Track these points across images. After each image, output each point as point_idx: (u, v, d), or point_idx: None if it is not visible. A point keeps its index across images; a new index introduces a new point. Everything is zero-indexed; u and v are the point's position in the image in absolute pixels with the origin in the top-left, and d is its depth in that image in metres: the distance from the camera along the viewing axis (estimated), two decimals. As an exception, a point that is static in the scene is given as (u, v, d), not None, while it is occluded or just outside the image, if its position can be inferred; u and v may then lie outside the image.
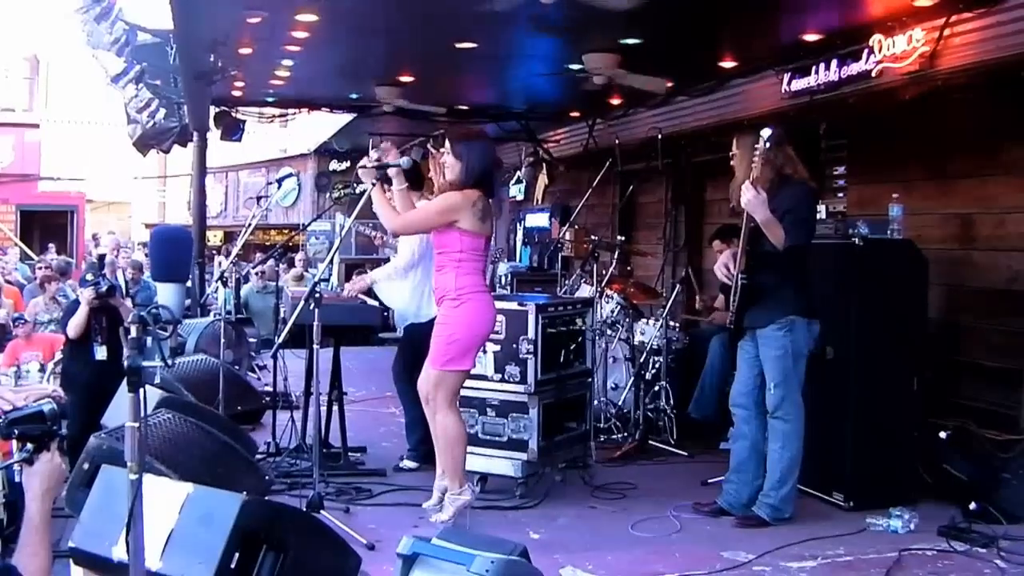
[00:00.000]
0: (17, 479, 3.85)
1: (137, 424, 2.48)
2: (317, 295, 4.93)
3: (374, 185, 5.03)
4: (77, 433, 4.56)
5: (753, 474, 5.21)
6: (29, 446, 2.67)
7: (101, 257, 6.92)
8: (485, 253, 4.90)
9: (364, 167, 5.12)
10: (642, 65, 7.91)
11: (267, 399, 7.31)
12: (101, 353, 6.52)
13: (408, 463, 6.10)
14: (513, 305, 5.55)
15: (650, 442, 6.80)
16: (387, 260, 6.47)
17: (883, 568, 4.47)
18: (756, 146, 4.86)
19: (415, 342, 5.81)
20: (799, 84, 7.74)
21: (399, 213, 4.96)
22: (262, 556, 3.13)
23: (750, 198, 4.82)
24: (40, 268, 11.28)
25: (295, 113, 12.42)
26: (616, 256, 8.21)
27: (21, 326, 8.42)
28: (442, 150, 5.00)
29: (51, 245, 18.51)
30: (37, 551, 2.56)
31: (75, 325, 6.37)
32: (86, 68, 15.51)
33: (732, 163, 5.19)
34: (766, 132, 4.86)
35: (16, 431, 2.69)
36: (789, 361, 5.01)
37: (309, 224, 17.77)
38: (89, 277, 6.93)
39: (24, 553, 2.55)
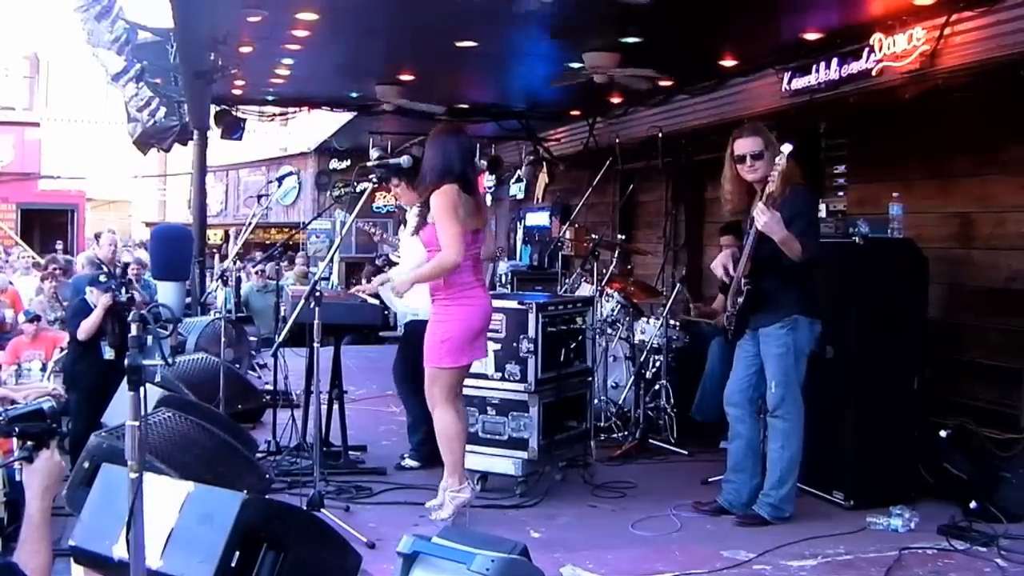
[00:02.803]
0: (18, 477, 3.86)
1: (137, 423, 2.48)
2: (317, 294, 4.94)
3: (374, 183, 5.03)
4: (82, 432, 4.56)
5: (751, 473, 5.21)
6: (29, 444, 2.67)
7: (126, 266, 6.93)
8: (474, 246, 4.88)
9: (365, 167, 5.13)
10: (642, 64, 7.91)
11: (267, 398, 7.31)
12: (110, 353, 6.51)
13: (410, 462, 6.10)
14: (513, 304, 5.55)
15: (650, 441, 6.80)
16: (386, 257, 6.46)
17: (883, 567, 4.47)
18: (778, 161, 4.75)
19: (416, 341, 5.81)
20: (799, 83, 7.74)
21: (439, 262, 4.77)
22: (262, 555, 3.13)
23: (766, 220, 4.75)
24: (50, 267, 11.32)
25: (295, 112, 12.41)
26: (616, 255, 8.21)
27: (35, 323, 8.42)
28: None
29: (59, 244, 18.52)
30: (38, 548, 2.57)
31: (87, 329, 6.37)
32: (86, 66, 15.50)
33: (750, 163, 4.97)
34: (787, 148, 4.75)
35: (16, 429, 2.69)
36: (791, 360, 5.01)
37: (309, 223, 17.78)
38: (103, 279, 6.91)
39: (24, 551, 2.56)
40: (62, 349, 7.72)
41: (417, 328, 5.86)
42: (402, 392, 6.28)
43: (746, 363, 5.19)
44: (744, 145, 5.04)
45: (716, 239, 7.83)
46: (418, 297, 5.92)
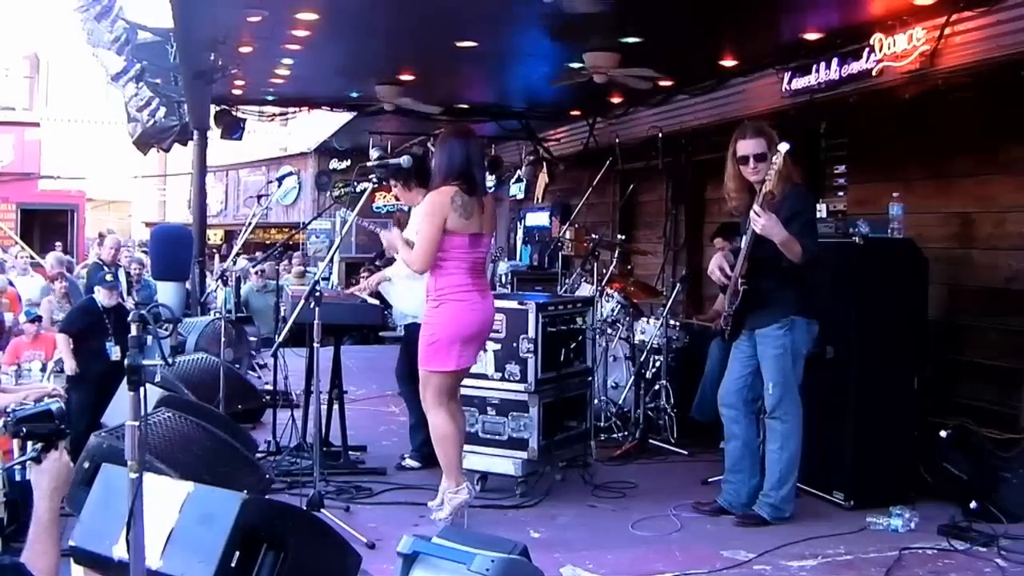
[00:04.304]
0: (17, 478, 3.86)
1: (137, 423, 2.48)
2: (317, 294, 4.93)
3: (374, 183, 5.03)
4: (84, 432, 4.57)
5: (749, 473, 5.21)
6: (37, 445, 2.68)
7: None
8: (474, 251, 4.80)
9: (365, 167, 5.13)
10: (642, 64, 7.91)
11: (267, 398, 7.31)
12: (116, 353, 6.52)
13: (411, 462, 6.10)
14: (513, 304, 5.55)
15: (650, 441, 6.80)
16: (387, 259, 6.45)
17: (883, 567, 4.47)
18: (774, 160, 4.73)
19: (416, 342, 5.82)
20: (799, 83, 7.74)
21: (407, 257, 4.88)
22: (262, 555, 3.13)
23: (764, 223, 4.74)
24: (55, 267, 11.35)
25: (295, 112, 12.41)
26: (616, 255, 8.21)
27: (36, 323, 8.42)
28: None
29: (58, 244, 18.52)
30: (46, 549, 2.57)
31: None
32: (86, 66, 15.50)
33: (753, 165, 4.95)
34: (784, 147, 4.73)
35: (24, 429, 2.70)
36: (788, 361, 5.00)
37: (309, 223, 17.78)
38: (109, 278, 6.93)
39: (33, 551, 2.56)
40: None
41: (417, 329, 5.87)
42: (404, 393, 6.28)
43: (741, 364, 5.18)
44: (747, 147, 5.01)
45: (714, 240, 7.82)
46: (416, 299, 5.93)
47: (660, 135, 9.53)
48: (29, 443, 2.73)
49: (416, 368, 5.14)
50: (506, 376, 5.51)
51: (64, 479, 2.69)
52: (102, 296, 6.88)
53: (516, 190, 14.95)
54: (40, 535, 2.59)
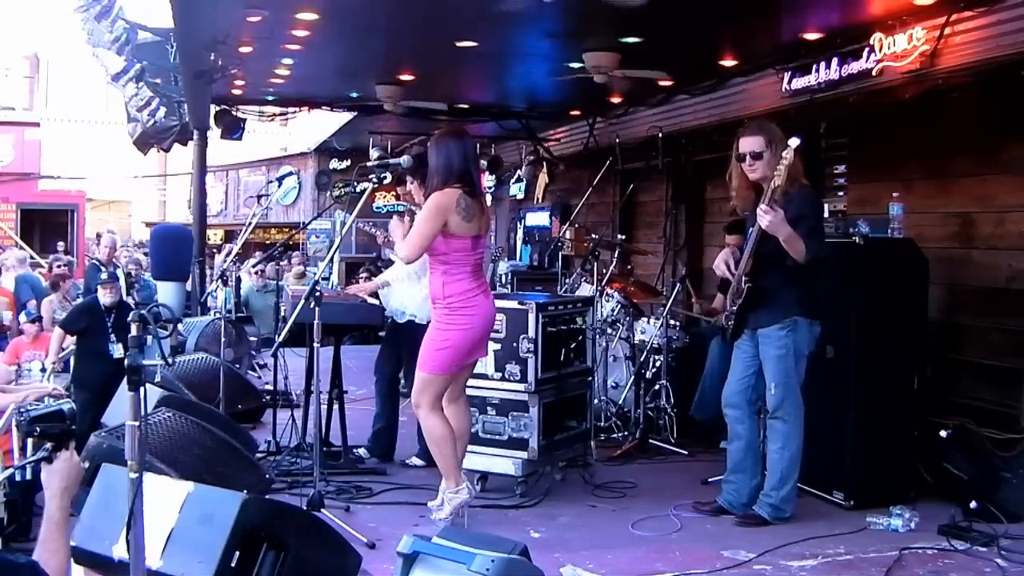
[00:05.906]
0: (17, 478, 3.86)
1: (137, 423, 2.48)
2: (317, 294, 4.93)
3: (374, 183, 5.03)
4: (88, 431, 4.58)
5: (751, 473, 5.21)
6: (48, 445, 2.69)
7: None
8: (475, 252, 4.81)
9: (365, 167, 5.13)
10: (643, 64, 7.91)
11: (267, 398, 7.31)
12: (119, 351, 6.51)
13: (416, 460, 6.11)
14: (513, 304, 5.55)
15: (650, 441, 6.80)
16: (389, 262, 6.46)
17: (883, 567, 4.47)
18: (784, 155, 4.72)
19: (406, 343, 5.83)
20: (799, 83, 7.74)
21: (400, 247, 4.90)
22: (262, 555, 3.13)
23: (770, 220, 4.72)
24: (58, 266, 11.34)
25: (295, 112, 12.41)
26: (616, 255, 8.21)
27: (37, 323, 8.43)
28: None
29: (60, 244, 18.51)
30: (57, 548, 2.59)
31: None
32: (86, 67, 15.53)
33: (750, 162, 4.99)
34: (795, 142, 4.72)
35: (37, 429, 2.72)
36: (790, 361, 5.00)
37: (309, 223, 17.79)
38: (104, 276, 6.94)
39: (44, 550, 2.57)
40: (63, 349, 7.72)
41: (413, 328, 5.87)
42: (388, 392, 6.30)
43: (744, 364, 5.18)
44: (746, 144, 5.04)
45: (716, 239, 7.82)
46: (415, 299, 5.94)
47: (660, 135, 9.53)
48: (30, 441, 2.74)
49: (410, 369, 5.11)
50: (506, 376, 5.51)
51: (74, 479, 2.71)
52: (102, 295, 6.88)
53: (516, 190, 14.95)
54: (51, 534, 2.61)
